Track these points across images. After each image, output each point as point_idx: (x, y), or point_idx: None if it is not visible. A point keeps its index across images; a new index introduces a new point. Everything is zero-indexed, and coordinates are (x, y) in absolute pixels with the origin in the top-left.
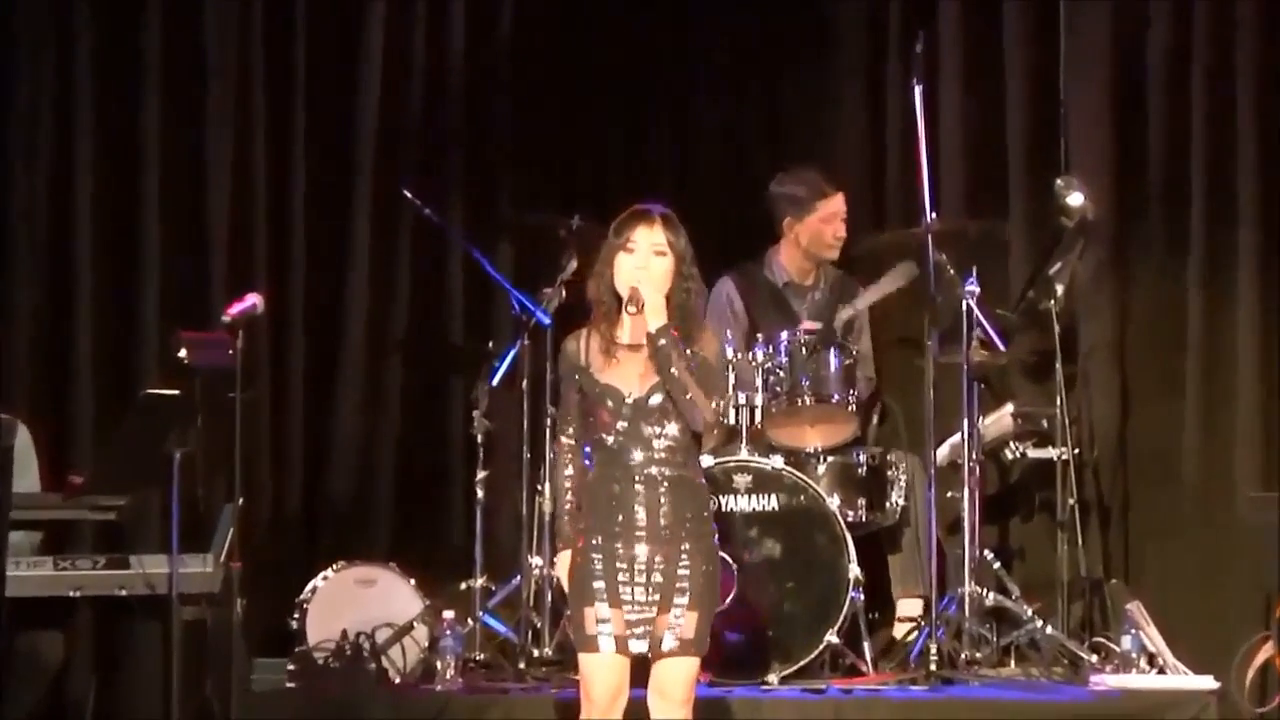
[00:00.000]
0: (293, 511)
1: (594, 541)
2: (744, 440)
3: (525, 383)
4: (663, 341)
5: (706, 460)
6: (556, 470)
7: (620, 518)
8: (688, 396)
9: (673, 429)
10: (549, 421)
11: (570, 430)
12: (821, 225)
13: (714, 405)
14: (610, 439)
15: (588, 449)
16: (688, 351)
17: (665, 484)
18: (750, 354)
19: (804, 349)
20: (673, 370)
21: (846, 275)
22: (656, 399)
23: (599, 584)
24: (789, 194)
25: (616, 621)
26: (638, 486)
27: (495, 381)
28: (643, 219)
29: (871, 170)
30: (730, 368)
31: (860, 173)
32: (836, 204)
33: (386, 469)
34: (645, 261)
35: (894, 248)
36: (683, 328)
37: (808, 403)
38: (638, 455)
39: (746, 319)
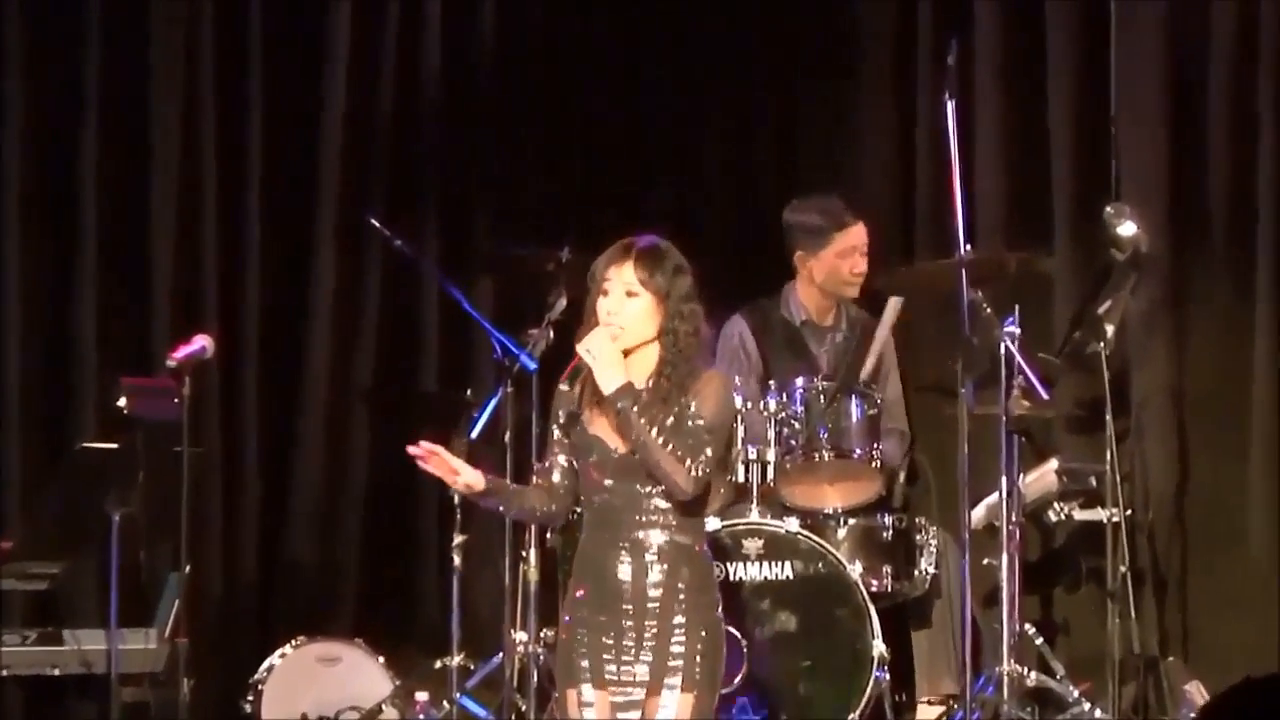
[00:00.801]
0: (247, 580)
1: (580, 614)
2: (755, 500)
3: (508, 436)
4: (620, 405)
5: (713, 523)
6: (524, 488)
7: (607, 587)
8: (657, 464)
9: (657, 485)
10: (534, 479)
11: (549, 472)
12: (838, 260)
13: (691, 470)
14: (597, 498)
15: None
16: (689, 405)
17: (655, 550)
18: (762, 403)
19: (822, 397)
20: (636, 437)
21: (871, 317)
22: None
23: (584, 662)
24: (803, 223)
25: (601, 705)
26: (624, 552)
27: (474, 434)
28: (615, 255)
29: (898, 196)
30: (740, 418)
31: (886, 199)
32: (856, 236)
33: (352, 532)
34: (618, 305)
35: (923, 283)
36: (673, 376)
37: (826, 458)
38: (626, 517)
39: (760, 363)
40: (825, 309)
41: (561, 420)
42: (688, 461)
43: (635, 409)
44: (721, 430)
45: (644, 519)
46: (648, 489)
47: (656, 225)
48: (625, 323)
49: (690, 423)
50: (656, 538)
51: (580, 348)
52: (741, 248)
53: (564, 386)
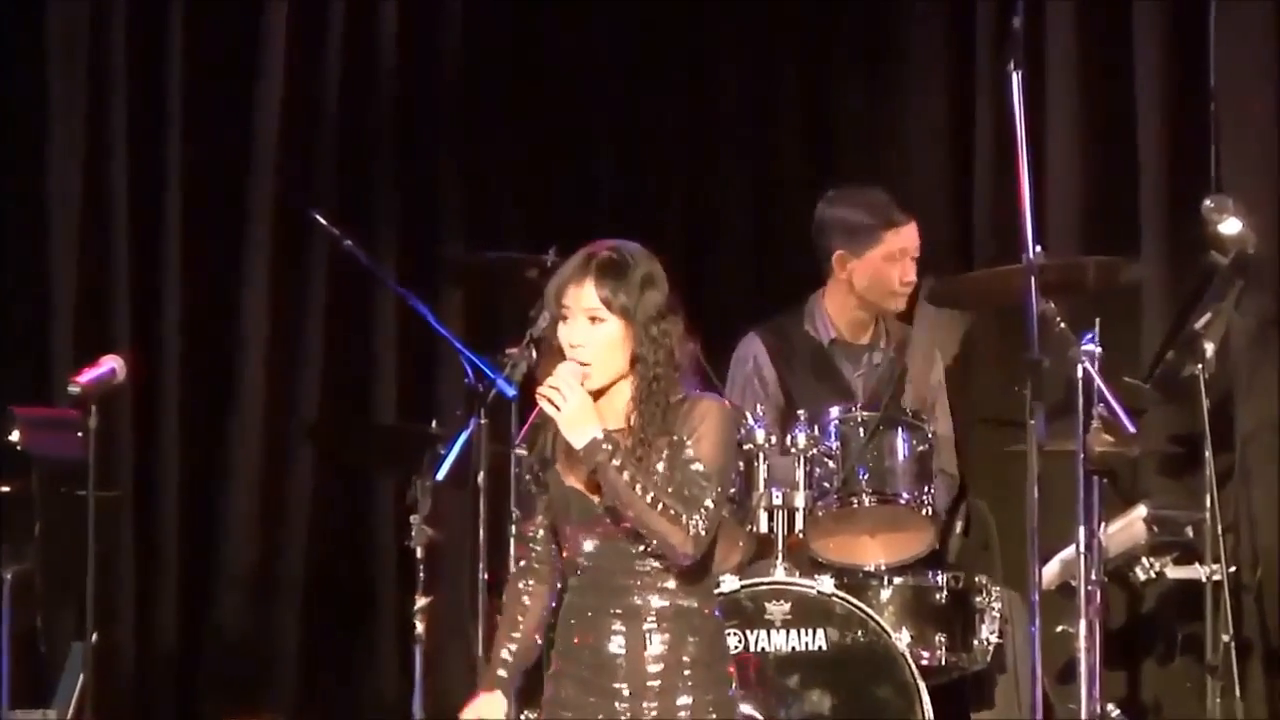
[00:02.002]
0: (166, 650)
1: (562, 694)
2: (780, 555)
3: (482, 476)
4: (598, 458)
5: (729, 582)
6: (508, 602)
7: (594, 663)
8: (648, 527)
9: (647, 543)
10: (512, 529)
11: (536, 543)
12: (885, 265)
13: (690, 528)
14: (582, 560)
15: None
16: (684, 442)
17: (654, 616)
18: (788, 438)
19: (861, 430)
20: (618, 498)
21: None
22: None
23: None
24: (844, 219)
25: None
26: (617, 620)
27: (441, 475)
28: (573, 272)
29: (953, 193)
30: (759, 458)
31: (938, 197)
32: (907, 237)
33: (292, 593)
34: (583, 334)
35: (983, 294)
36: (650, 412)
37: (867, 504)
38: (618, 580)
39: (780, 391)
40: (861, 324)
41: (532, 480)
42: (684, 519)
43: (615, 463)
44: (724, 472)
45: (639, 580)
46: (641, 545)
47: (660, 227)
48: (592, 355)
49: (685, 469)
50: (655, 602)
51: (541, 394)
52: (761, 255)
53: (521, 452)
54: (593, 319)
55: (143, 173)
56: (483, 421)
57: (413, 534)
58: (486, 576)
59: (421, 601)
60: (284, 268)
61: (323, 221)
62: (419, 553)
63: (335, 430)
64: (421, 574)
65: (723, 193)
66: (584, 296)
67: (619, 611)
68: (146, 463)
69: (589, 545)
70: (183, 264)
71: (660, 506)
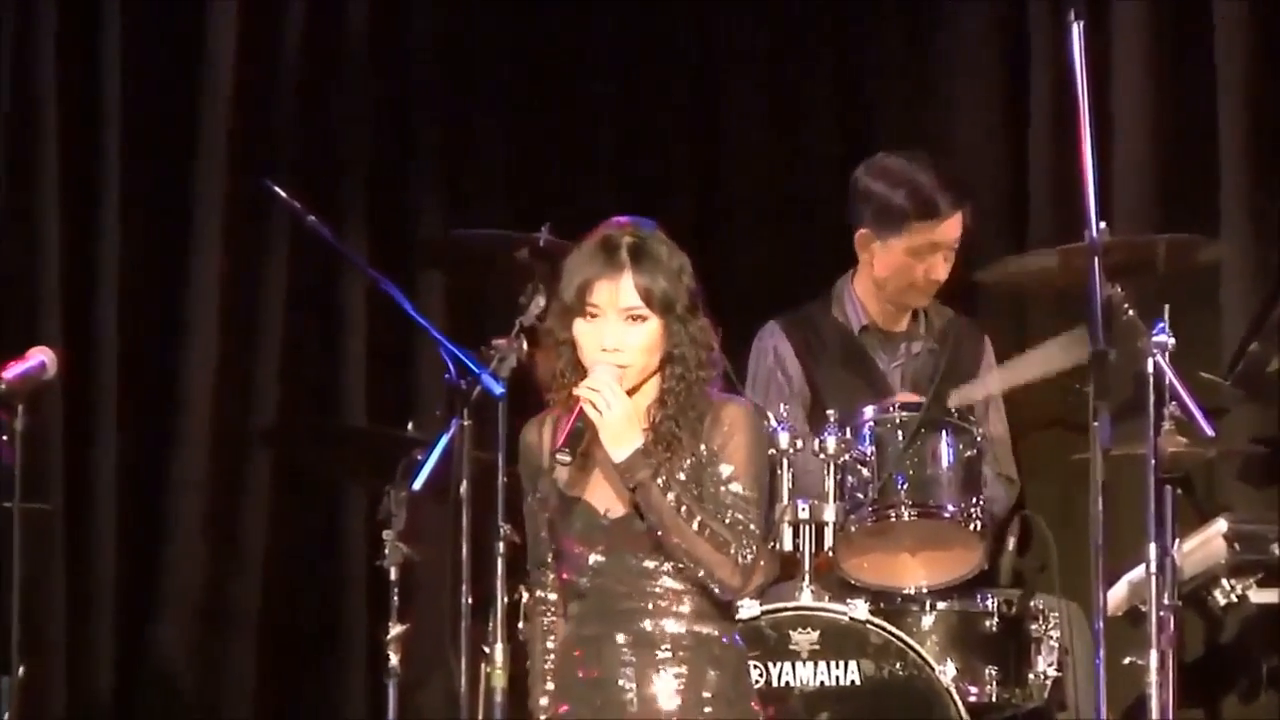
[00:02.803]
0: (104, 685)
1: None
2: (807, 576)
3: (465, 487)
4: (639, 475)
5: (749, 607)
6: (531, 638)
7: (600, 700)
8: (692, 556)
9: (663, 560)
10: (500, 545)
11: (546, 573)
12: (909, 259)
13: (738, 557)
14: (584, 580)
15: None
16: (714, 456)
17: (669, 645)
18: (816, 442)
19: (900, 433)
20: (661, 521)
21: (968, 321)
22: (643, 524)
23: None
24: (879, 196)
25: None
26: (625, 650)
27: (418, 485)
28: (601, 265)
29: (1005, 158)
30: (786, 463)
31: (987, 161)
32: (945, 232)
33: (246, 622)
34: (620, 335)
35: (1040, 278)
36: (681, 418)
37: (907, 517)
38: (627, 603)
39: (806, 387)
40: (897, 310)
41: (539, 485)
42: (732, 548)
43: (659, 482)
44: (764, 491)
45: (651, 604)
46: (655, 562)
47: (666, 202)
48: (632, 359)
49: (723, 489)
50: (670, 628)
51: (584, 390)
52: (782, 235)
53: (564, 458)
54: (632, 317)
55: (75, 142)
56: (465, 423)
57: (385, 552)
58: (470, 600)
59: (395, 629)
60: (237, 249)
61: (282, 194)
62: (393, 574)
63: (296, 434)
64: (395, 598)
65: (738, 161)
66: (622, 293)
67: (628, 639)
68: (80, 470)
69: (594, 559)
70: (122, 245)
71: (708, 533)
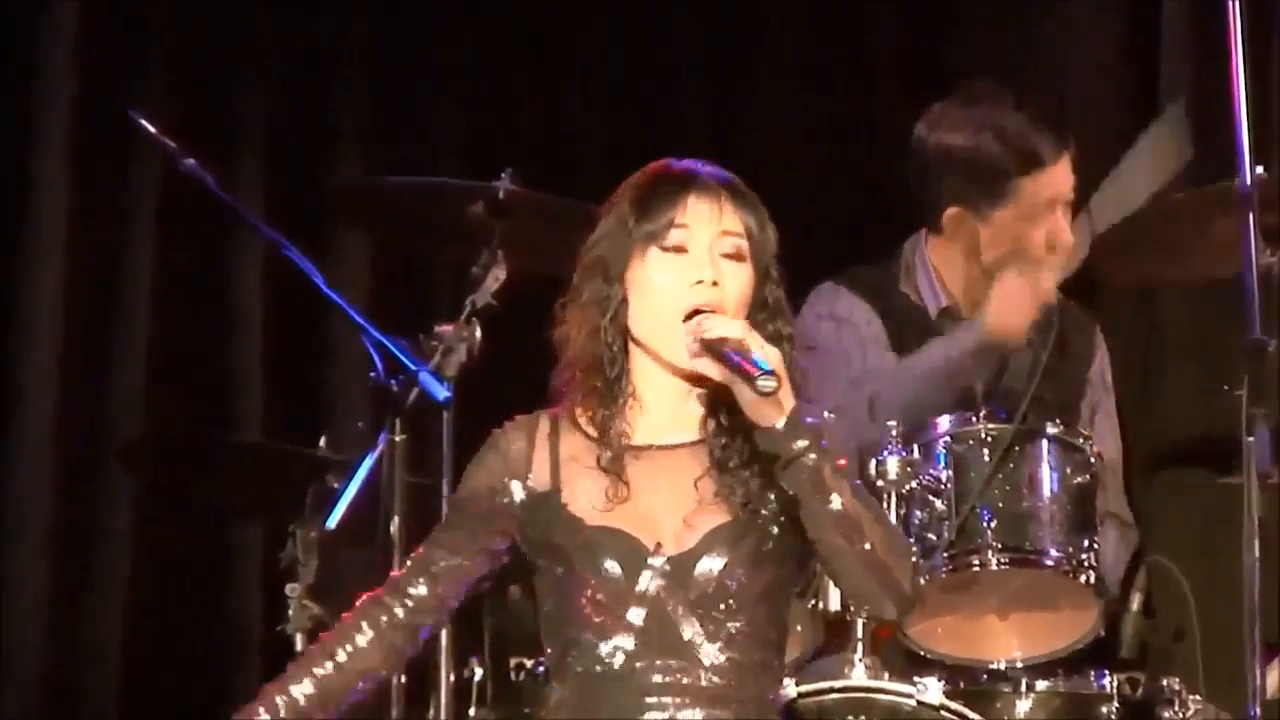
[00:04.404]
0: None
1: None
2: (860, 646)
3: (396, 524)
4: (802, 442)
5: (785, 688)
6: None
7: None
8: (885, 564)
9: (740, 621)
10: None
11: (408, 589)
12: (1027, 227)
13: (915, 570)
14: (605, 646)
15: (546, 666)
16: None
17: None
18: (873, 464)
19: (987, 452)
20: (832, 507)
21: (1075, 305)
22: (716, 563)
23: None
24: (959, 154)
25: None
26: None
27: (333, 523)
28: (694, 186)
29: (1130, 85)
30: None
31: (1103, 95)
32: (1059, 181)
33: (103, 700)
34: (717, 271)
35: (1169, 237)
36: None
37: (995, 566)
38: (660, 676)
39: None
40: (986, 293)
41: (488, 486)
42: (913, 554)
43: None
44: None
45: (705, 679)
46: (713, 625)
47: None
48: (731, 304)
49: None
50: (692, 718)
51: (760, 354)
52: (819, 200)
53: (515, 440)
54: (732, 255)
55: None
56: (397, 439)
57: (289, 614)
58: (403, 679)
59: None
60: (89, 205)
61: (150, 129)
62: (298, 641)
63: (168, 453)
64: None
65: (762, 115)
66: (726, 214)
67: None
68: None
69: (634, 617)
70: None
71: (889, 527)
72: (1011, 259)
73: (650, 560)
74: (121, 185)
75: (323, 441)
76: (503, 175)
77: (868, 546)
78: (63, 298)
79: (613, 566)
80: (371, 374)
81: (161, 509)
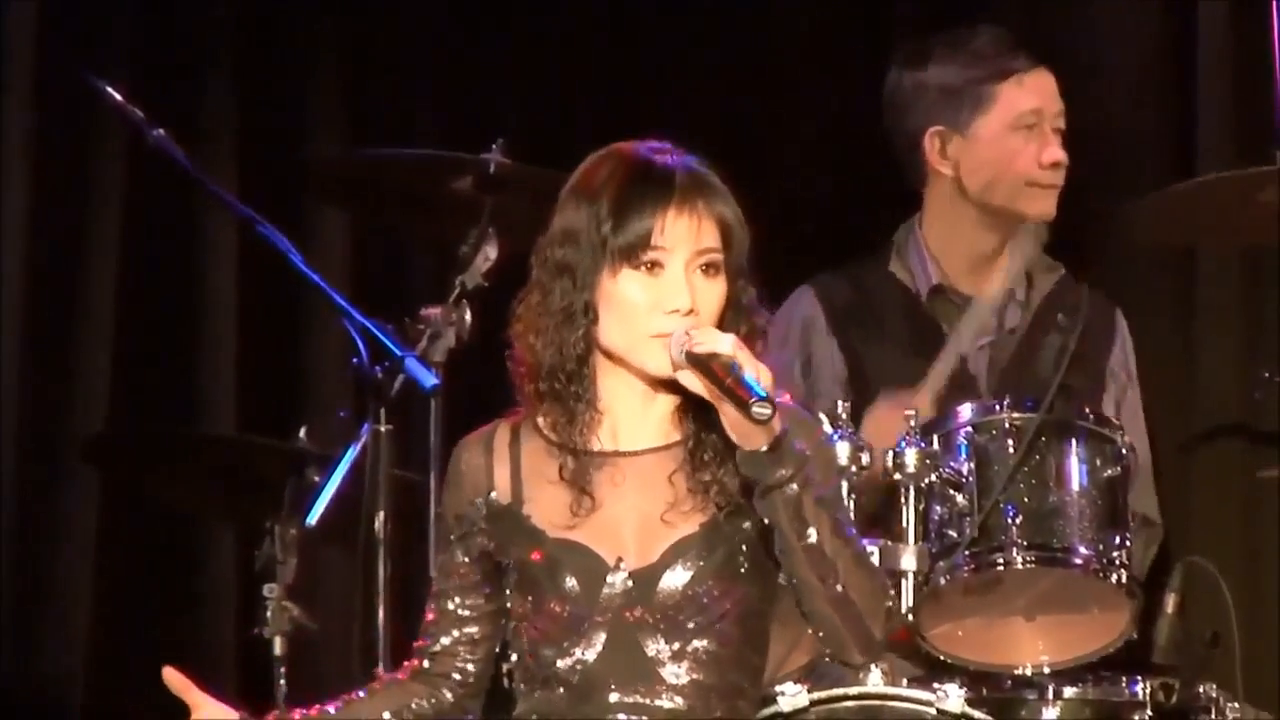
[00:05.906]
0: None
1: None
2: None
3: (381, 521)
4: (784, 471)
5: (791, 696)
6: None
7: None
8: (855, 610)
9: (709, 639)
10: (432, 605)
11: (438, 638)
12: (1009, 137)
13: (890, 608)
14: (565, 663)
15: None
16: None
17: None
18: (888, 456)
19: (1011, 443)
20: (809, 542)
21: (1089, 287)
22: (681, 576)
23: None
24: (933, 83)
25: None
26: None
27: (313, 520)
28: (673, 198)
29: (1167, 71)
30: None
31: (1132, 72)
32: (1042, 92)
33: (67, 713)
34: (693, 296)
35: (1198, 222)
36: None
37: (1021, 565)
38: (619, 695)
39: (844, 368)
40: (984, 259)
41: (464, 523)
42: (890, 592)
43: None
44: None
45: (657, 684)
46: (678, 643)
47: (662, 131)
48: (706, 323)
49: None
50: None
51: (753, 374)
52: (818, 171)
53: (474, 454)
54: (707, 268)
55: None
56: (382, 430)
57: (267, 616)
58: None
59: None
60: (52, 179)
61: (115, 96)
62: (276, 646)
63: (137, 447)
64: (281, 681)
65: (783, 79)
66: (704, 231)
67: None
68: None
69: (596, 633)
70: None
71: (868, 566)
72: (997, 185)
73: (610, 578)
74: (86, 161)
75: (302, 433)
76: (493, 147)
77: (839, 589)
78: (21, 282)
79: (572, 583)
80: (354, 360)
81: (128, 506)
